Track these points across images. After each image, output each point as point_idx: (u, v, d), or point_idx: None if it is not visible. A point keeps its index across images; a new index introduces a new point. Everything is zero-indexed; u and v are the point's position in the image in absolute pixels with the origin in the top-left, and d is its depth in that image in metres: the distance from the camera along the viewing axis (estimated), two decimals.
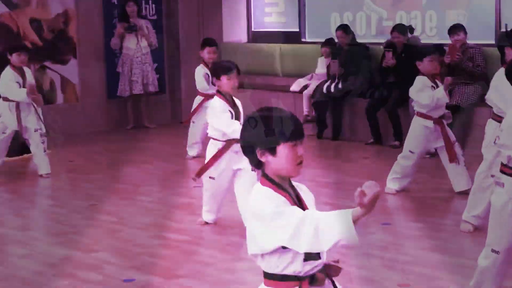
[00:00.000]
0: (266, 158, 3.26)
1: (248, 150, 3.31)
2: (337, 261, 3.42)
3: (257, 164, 3.32)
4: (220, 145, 7.03)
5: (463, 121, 9.87)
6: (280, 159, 3.25)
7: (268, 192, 3.26)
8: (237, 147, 6.87)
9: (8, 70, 9.41)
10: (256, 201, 3.26)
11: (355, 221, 3.02)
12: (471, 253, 5.64)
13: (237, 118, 6.99)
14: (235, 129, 6.74)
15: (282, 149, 3.24)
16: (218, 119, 6.99)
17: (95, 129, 12.74)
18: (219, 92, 7.07)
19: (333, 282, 3.38)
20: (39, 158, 9.52)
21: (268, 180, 3.29)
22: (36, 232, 7.46)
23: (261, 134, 3.25)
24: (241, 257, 6.39)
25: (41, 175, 9.53)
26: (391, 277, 5.88)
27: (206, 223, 7.32)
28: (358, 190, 2.98)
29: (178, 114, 13.47)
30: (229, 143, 6.95)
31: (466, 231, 6.84)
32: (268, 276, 3.31)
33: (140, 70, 12.74)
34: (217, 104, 7.05)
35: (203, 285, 5.86)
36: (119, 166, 10.30)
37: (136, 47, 12.68)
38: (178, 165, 10.14)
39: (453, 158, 7.89)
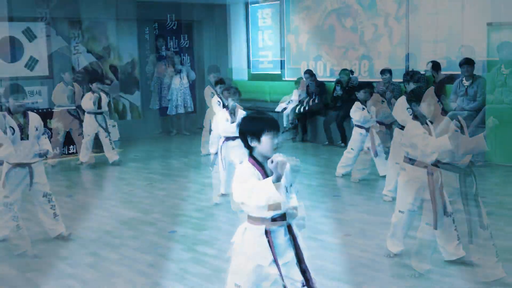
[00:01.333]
0: (254, 143, 3.22)
1: (243, 136, 3.26)
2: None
3: (248, 147, 3.26)
4: (222, 139, 6.92)
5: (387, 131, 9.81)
6: (263, 145, 3.21)
7: (248, 166, 3.23)
8: (231, 143, 6.68)
9: (88, 94, 9.25)
10: (238, 169, 3.24)
11: (275, 183, 3.03)
12: (391, 214, 5.58)
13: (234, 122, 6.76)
14: (226, 129, 6.64)
15: (265, 138, 3.20)
16: (218, 123, 6.86)
17: (151, 136, 12.69)
18: (226, 107, 6.86)
19: (290, 227, 3.29)
20: (108, 151, 9.40)
21: (253, 158, 3.25)
22: (113, 201, 7.40)
23: (252, 127, 3.22)
24: None
25: (112, 163, 9.43)
26: (338, 229, 5.83)
27: (223, 194, 6.98)
28: (269, 160, 3.03)
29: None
30: (226, 138, 6.81)
31: (387, 201, 6.80)
32: (248, 216, 3.29)
33: (182, 98, 12.74)
34: (220, 114, 6.89)
35: (219, 235, 5.81)
36: (167, 159, 10.24)
37: (180, 84, 12.69)
38: (205, 158, 10.07)
39: (375, 154, 7.83)
